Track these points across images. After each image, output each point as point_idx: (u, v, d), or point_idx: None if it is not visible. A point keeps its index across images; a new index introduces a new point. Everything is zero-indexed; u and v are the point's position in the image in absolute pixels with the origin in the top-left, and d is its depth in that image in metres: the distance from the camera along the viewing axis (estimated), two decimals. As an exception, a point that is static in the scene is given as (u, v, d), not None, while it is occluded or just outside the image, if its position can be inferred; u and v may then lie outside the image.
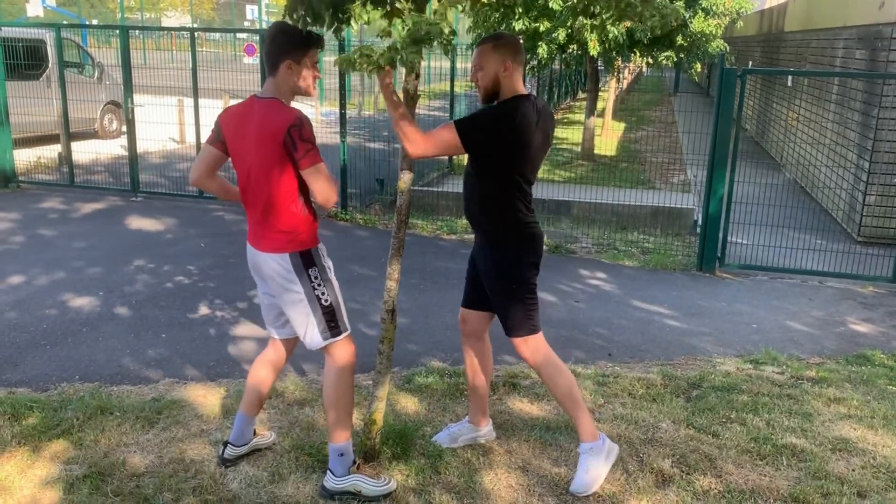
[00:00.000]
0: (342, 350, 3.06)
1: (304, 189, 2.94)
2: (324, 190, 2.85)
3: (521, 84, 3.09)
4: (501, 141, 2.98)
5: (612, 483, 3.27)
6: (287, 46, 2.87)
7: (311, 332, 3.00)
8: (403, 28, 2.68)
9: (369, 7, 2.95)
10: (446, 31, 2.66)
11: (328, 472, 3.11)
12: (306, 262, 2.96)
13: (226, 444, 3.33)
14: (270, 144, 2.83)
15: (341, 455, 3.09)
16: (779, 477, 3.37)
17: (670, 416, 3.92)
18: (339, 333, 3.03)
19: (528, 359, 3.25)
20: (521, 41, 12.43)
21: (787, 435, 3.75)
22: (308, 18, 2.83)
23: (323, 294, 2.98)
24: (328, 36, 3.12)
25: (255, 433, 3.40)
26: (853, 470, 3.45)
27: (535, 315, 3.22)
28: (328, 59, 5.67)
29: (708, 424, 3.83)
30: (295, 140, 2.80)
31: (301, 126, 2.82)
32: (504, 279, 3.18)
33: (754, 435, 3.72)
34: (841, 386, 4.47)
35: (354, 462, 3.12)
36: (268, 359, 3.30)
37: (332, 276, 3.04)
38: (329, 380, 3.07)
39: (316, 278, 2.98)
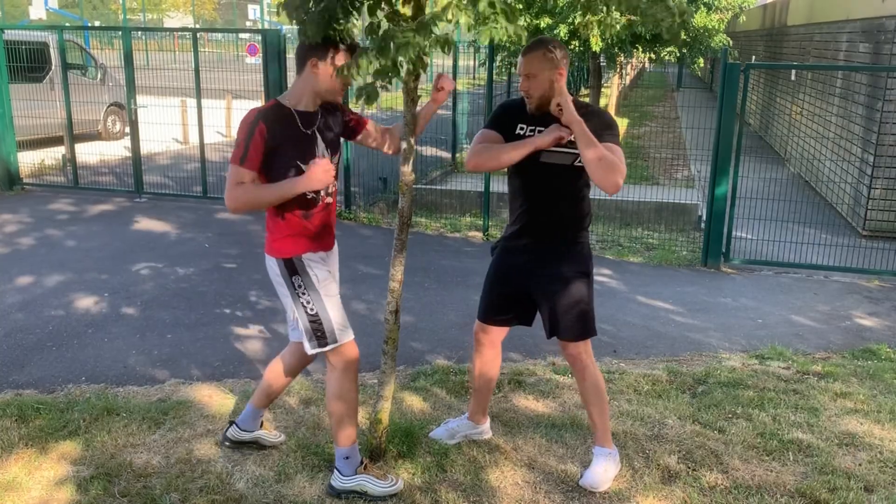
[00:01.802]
0: (339, 357, 3.03)
1: (305, 195, 2.91)
2: (228, 194, 2.81)
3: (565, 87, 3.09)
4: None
5: (618, 480, 3.26)
6: (315, 44, 2.81)
7: (302, 338, 3.03)
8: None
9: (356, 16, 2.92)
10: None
11: (335, 471, 3.12)
12: (290, 269, 2.94)
13: (231, 422, 3.37)
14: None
15: (347, 458, 3.09)
16: (785, 472, 3.36)
17: (676, 412, 3.91)
18: (326, 345, 2.97)
19: (586, 362, 3.19)
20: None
21: (794, 430, 3.74)
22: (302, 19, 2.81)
23: (308, 303, 2.94)
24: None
25: (262, 425, 3.43)
26: (860, 464, 3.44)
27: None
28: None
29: (714, 420, 3.82)
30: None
31: (246, 120, 2.81)
32: (584, 279, 3.16)
33: (760, 430, 3.72)
34: (847, 380, 4.46)
35: (361, 462, 3.12)
36: (284, 358, 3.32)
37: (320, 286, 2.96)
38: (330, 385, 3.08)
39: (299, 286, 2.94)
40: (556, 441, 3.59)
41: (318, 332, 2.96)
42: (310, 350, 3.00)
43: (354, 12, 2.83)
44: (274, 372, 3.32)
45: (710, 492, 3.20)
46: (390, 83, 2.63)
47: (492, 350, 3.43)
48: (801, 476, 3.33)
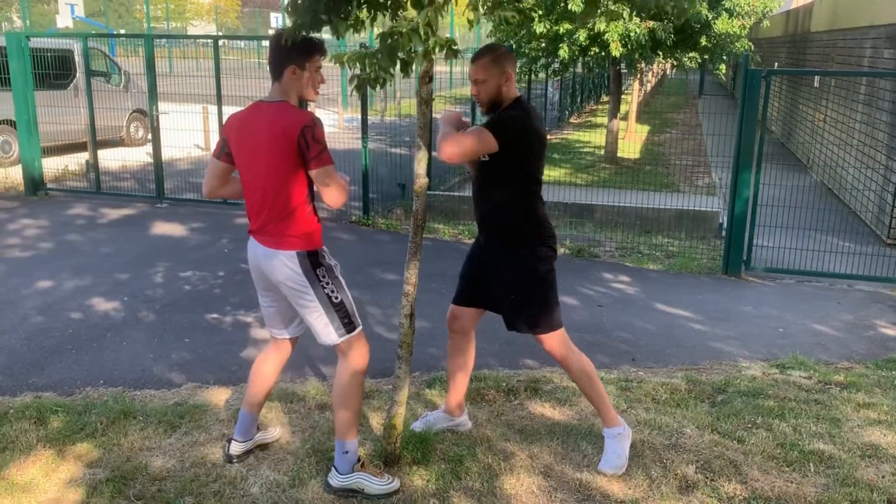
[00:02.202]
0: (356, 351, 3.09)
1: (303, 193, 2.97)
2: (332, 192, 2.89)
3: (515, 90, 3.28)
4: (528, 139, 3.15)
5: (634, 488, 3.23)
6: (291, 52, 2.92)
7: (326, 330, 3.04)
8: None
9: (366, 13, 2.96)
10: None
11: (332, 468, 3.16)
12: (314, 262, 2.99)
13: (230, 440, 3.38)
14: (284, 143, 2.86)
15: (346, 453, 3.13)
16: (806, 483, 3.30)
17: (694, 422, 3.86)
18: (354, 329, 3.07)
19: (559, 353, 3.36)
20: (543, 44, 12.43)
21: (815, 441, 3.68)
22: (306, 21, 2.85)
23: (333, 292, 3.02)
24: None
25: (258, 428, 3.46)
26: (883, 476, 3.37)
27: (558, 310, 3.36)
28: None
29: (733, 430, 3.77)
30: (308, 140, 2.84)
31: (314, 126, 2.86)
32: (528, 277, 3.28)
33: (781, 440, 3.66)
34: (870, 391, 4.38)
35: (359, 460, 3.15)
36: (270, 358, 3.35)
37: (338, 273, 3.09)
38: (341, 380, 3.10)
39: (324, 277, 3.01)
40: (573, 449, 3.55)
41: (346, 319, 3.04)
42: (337, 339, 3.04)
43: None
44: (261, 373, 3.34)
45: (729, 502, 3.15)
46: (384, 84, 2.80)
47: (465, 339, 3.59)
48: (823, 488, 3.27)
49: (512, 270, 3.28)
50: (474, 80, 3.23)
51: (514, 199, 3.25)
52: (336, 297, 3.02)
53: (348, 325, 3.05)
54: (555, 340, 3.34)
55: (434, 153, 3.26)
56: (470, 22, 2.68)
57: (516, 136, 3.12)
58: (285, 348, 3.34)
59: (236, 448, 3.36)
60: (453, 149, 3.03)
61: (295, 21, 2.87)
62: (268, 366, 3.35)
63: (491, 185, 3.27)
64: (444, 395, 4.10)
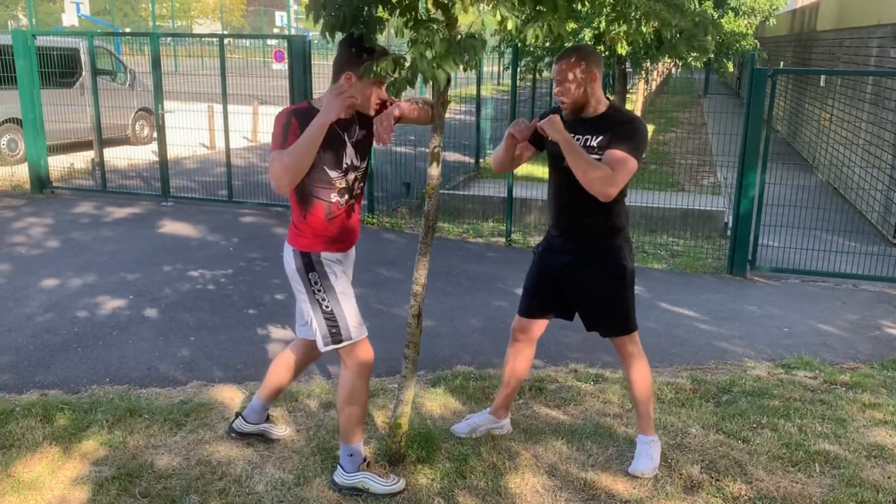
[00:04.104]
0: (353, 356, 3.06)
1: (314, 193, 2.95)
2: (272, 174, 2.83)
3: (601, 92, 3.17)
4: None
5: (639, 488, 3.23)
6: (349, 58, 2.86)
7: (315, 334, 3.06)
8: (425, 41, 2.63)
9: (393, 16, 2.93)
10: (479, 47, 2.63)
11: (338, 466, 3.17)
12: (307, 264, 2.99)
13: (238, 413, 3.42)
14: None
15: (351, 455, 3.14)
16: (811, 484, 3.30)
17: (699, 422, 3.86)
18: (340, 342, 3.02)
19: (628, 355, 3.34)
20: (548, 43, 12.42)
21: (820, 441, 3.67)
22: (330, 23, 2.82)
23: (323, 300, 2.99)
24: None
25: (267, 418, 3.48)
26: (889, 477, 3.37)
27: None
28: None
29: (738, 430, 3.76)
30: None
31: (279, 116, 2.86)
32: (623, 277, 3.26)
33: (786, 441, 3.65)
34: (876, 391, 4.37)
35: (365, 460, 3.16)
36: (290, 353, 3.37)
37: (337, 284, 3.00)
38: (343, 384, 3.11)
39: (315, 283, 2.99)
40: (578, 448, 3.55)
41: (333, 330, 3.01)
42: (323, 348, 3.05)
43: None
44: (280, 366, 3.37)
45: (734, 502, 3.15)
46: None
47: (528, 346, 3.54)
48: (828, 488, 3.27)
49: (609, 271, 3.25)
50: (559, 80, 3.11)
51: (614, 201, 3.13)
52: (327, 307, 2.99)
53: (335, 335, 3.01)
54: (634, 340, 3.34)
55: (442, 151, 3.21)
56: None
57: (645, 146, 3.09)
58: (301, 348, 3.33)
59: (239, 424, 3.42)
60: (612, 189, 2.97)
61: (325, 20, 2.79)
62: (285, 359, 3.37)
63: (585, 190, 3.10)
64: (451, 395, 4.11)
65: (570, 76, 3.07)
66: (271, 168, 2.82)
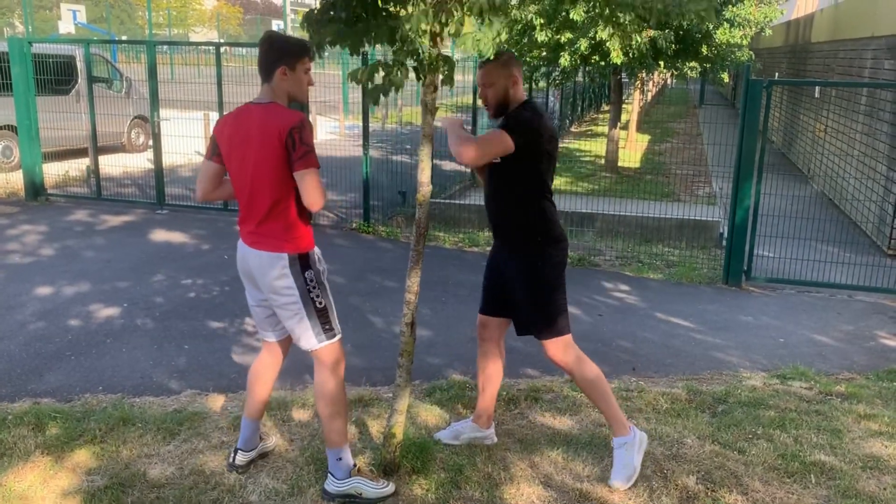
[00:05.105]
0: (335, 357, 3.09)
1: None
2: (311, 193, 2.86)
3: (523, 93, 3.32)
4: (541, 138, 3.16)
5: (635, 499, 3.21)
6: (281, 54, 2.95)
7: (305, 334, 3.05)
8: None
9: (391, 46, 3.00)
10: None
11: (329, 475, 3.15)
12: (303, 265, 3.00)
13: (236, 450, 3.36)
14: (274, 144, 2.87)
15: (339, 459, 3.13)
16: (807, 495, 3.29)
17: (695, 432, 3.85)
18: (334, 336, 3.08)
19: (561, 361, 3.36)
20: (544, 53, 12.44)
21: (816, 452, 3.66)
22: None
23: (317, 297, 3.03)
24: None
25: (260, 438, 3.45)
26: (884, 489, 3.36)
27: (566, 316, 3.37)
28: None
29: (734, 440, 3.76)
30: (295, 141, 2.85)
31: (302, 128, 2.86)
32: (536, 278, 3.29)
33: (781, 451, 3.64)
34: (871, 402, 4.37)
35: (354, 465, 3.15)
36: (265, 363, 3.34)
37: (325, 278, 3.09)
38: (326, 389, 3.09)
39: (311, 281, 3.01)
40: (573, 458, 3.54)
41: (327, 325, 3.05)
42: (317, 345, 3.05)
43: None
44: (258, 381, 3.33)
45: (730, 514, 3.13)
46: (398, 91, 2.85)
47: (495, 348, 3.58)
48: (824, 499, 3.26)
49: (522, 271, 3.29)
50: (482, 84, 3.27)
51: (526, 200, 3.25)
52: (320, 303, 3.03)
53: (328, 331, 3.06)
54: (558, 347, 3.33)
55: (438, 160, 3.26)
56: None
57: (530, 135, 3.14)
58: (277, 352, 3.32)
59: (242, 458, 3.34)
60: (474, 152, 3.06)
61: (313, 35, 2.90)
62: (263, 372, 3.34)
63: (504, 187, 3.28)
64: (446, 405, 4.09)
65: (491, 79, 3.23)
66: (319, 187, 2.89)
